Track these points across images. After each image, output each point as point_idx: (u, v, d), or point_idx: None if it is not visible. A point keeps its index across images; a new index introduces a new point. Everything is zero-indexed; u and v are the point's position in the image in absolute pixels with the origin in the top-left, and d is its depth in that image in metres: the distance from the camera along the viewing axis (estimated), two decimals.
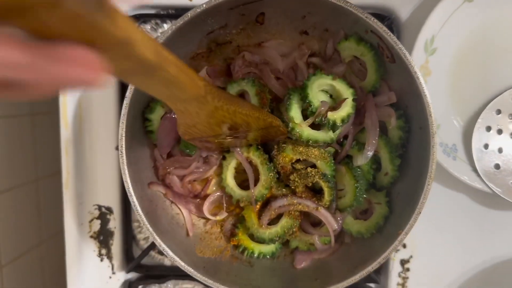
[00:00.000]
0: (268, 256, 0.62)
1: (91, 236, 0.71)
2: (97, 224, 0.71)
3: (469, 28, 0.65)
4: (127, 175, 0.54)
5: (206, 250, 0.62)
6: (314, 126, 0.58)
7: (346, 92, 0.57)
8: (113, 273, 0.71)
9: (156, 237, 0.54)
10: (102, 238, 0.71)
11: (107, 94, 0.68)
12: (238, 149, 0.61)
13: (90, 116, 0.69)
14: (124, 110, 0.53)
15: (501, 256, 0.71)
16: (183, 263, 0.54)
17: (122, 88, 0.69)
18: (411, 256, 0.70)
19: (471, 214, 0.70)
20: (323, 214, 0.59)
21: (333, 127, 0.56)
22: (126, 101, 0.53)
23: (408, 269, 0.70)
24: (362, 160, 0.58)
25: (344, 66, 0.60)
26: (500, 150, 0.66)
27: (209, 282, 0.54)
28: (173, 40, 0.52)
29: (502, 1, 0.64)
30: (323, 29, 0.61)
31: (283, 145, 0.59)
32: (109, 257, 0.71)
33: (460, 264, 0.71)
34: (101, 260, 0.71)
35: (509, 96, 0.66)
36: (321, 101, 0.56)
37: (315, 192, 0.62)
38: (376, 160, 0.60)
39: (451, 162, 0.66)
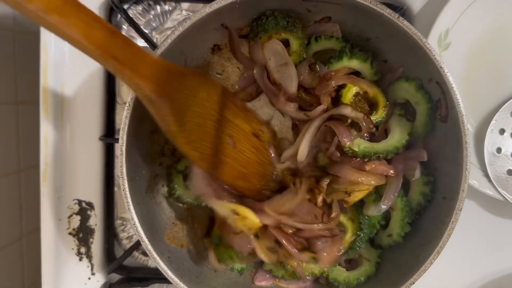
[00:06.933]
0: (236, 270, 0.57)
1: (70, 233, 0.65)
2: (76, 220, 0.65)
3: (486, 22, 0.60)
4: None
5: (175, 239, 0.56)
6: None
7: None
8: (93, 273, 0.66)
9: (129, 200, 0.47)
10: (82, 235, 0.65)
11: (92, 80, 0.63)
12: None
13: (73, 103, 0.63)
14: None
15: (511, 267, 0.66)
16: (150, 247, 0.48)
17: (109, 74, 0.63)
18: None
19: (480, 222, 0.66)
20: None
21: None
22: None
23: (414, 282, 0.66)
24: (374, 211, 0.53)
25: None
26: None
27: (169, 274, 0.49)
28: (224, 10, 0.46)
29: None
30: (382, 59, 0.55)
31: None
32: (89, 257, 0.66)
33: (467, 275, 0.67)
34: (80, 259, 0.66)
35: None
36: None
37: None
38: (386, 217, 0.56)
39: None
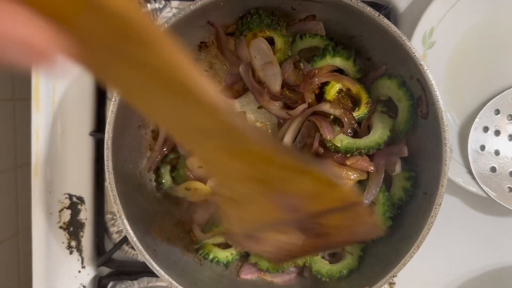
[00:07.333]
0: (222, 263, 0.58)
1: (61, 227, 0.66)
2: (67, 214, 0.66)
3: (471, 22, 0.61)
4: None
5: (162, 232, 0.57)
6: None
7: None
8: (83, 267, 0.67)
9: (117, 199, 0.49)
10: (72, 229, 0.66)
11: (82, 75, 0.64)
12: None
13: (64, 99, 0.64)
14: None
15: (494, 264, 0.67)
16: (135, 239, 0.49)
17: None
18: None
19: (463, 218, 0.67)
20: None
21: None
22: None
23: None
24: None
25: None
26: (497, 153, 0.63)
27: (154, 266, 0.50)
28: (209, 6, 0.47)
29: None
30: (366, 57, 0.56)
31: None
32: (79, 250, 0.67)
33: (450, 271, 0.67)
34: (70, 253, 0.67)
35: (509, 96, 0.62)
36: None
37: None
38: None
39: None
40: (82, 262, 0.67)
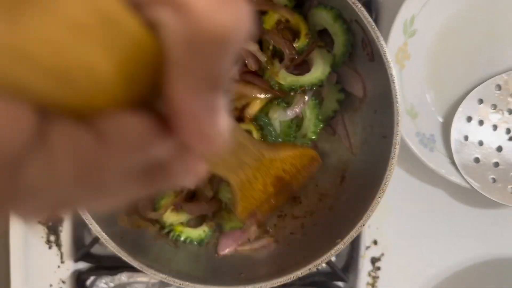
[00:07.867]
0: (195, 242, 0.57)
1: (39, 222, 0.66)
2: None
3: (452, 9, 0.60)
4: None
5: (130, 221, 0.55)
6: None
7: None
8: (62, 262, 0.66)
9: None
10: (51, 224, 0.65)
11: None
12: None
13: None
14: None
15: (478, 257, 0.66)
16: (98, 228, 0.48)
17: None
18: (382, 254, 0.66)
19: (447, 210, 0.66)
20: None
21: None
22: None
23: (379, 268, 0.66)
24: (281, 115, 0.54)
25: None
26: (480, 143, 0.62)
27: (122, 253, 0.48)
28: None
29: None
30: None
31: None
32: (58, 245, 0.66)
33: (434, 264, 0.66)
34: (49, 247, 0.66)
35: (492, 85, 0.61)
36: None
37: None
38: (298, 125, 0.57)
39: (428, 153, 0.61)
40: (62, 257, 0.66)
